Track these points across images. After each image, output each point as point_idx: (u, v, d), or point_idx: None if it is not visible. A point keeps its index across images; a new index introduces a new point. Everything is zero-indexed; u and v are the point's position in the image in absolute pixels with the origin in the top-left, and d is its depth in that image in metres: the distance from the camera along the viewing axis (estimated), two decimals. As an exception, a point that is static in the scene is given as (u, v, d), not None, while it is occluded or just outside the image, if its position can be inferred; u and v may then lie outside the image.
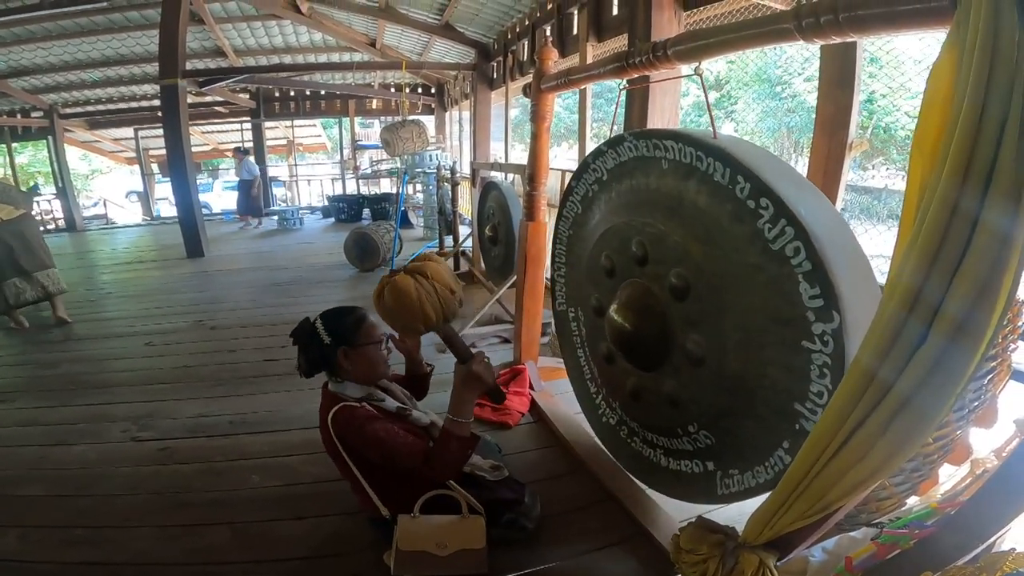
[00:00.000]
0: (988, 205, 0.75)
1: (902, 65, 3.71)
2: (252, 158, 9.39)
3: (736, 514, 1.27)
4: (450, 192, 5.12)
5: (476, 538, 1.38)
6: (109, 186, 17.65)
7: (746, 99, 14.12)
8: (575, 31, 4.11)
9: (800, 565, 1.15)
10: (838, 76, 2.11)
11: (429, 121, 9.76)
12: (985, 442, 1.30)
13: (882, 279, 1.19)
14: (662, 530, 1.56)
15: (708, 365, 1.32)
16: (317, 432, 2.18)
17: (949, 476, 1.33)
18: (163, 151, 12.35)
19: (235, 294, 4.70)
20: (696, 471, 1.45)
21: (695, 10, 2.93)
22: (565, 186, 2.00)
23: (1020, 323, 1.27)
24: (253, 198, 8.72)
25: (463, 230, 5.30)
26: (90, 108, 10.11)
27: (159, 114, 9.23)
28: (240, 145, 10.00)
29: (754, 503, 1.07)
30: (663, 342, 1.44)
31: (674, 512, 1.63)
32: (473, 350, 1.50)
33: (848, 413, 0.88)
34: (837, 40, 1.09)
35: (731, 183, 1.24)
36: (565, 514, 1.72)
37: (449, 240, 5.43)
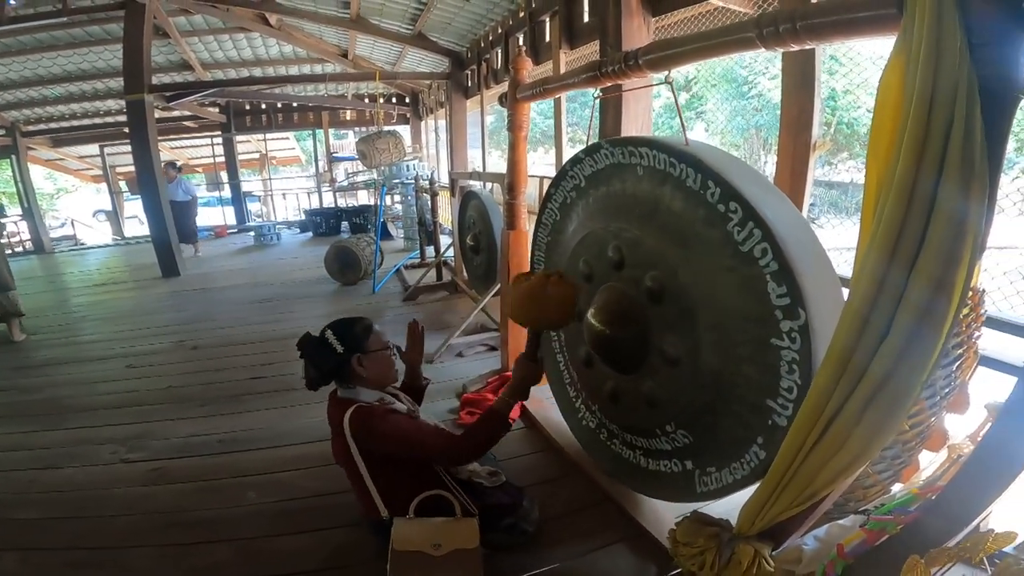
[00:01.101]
0: (940, 202, 0.81)
1: (862, 63, 3.87)
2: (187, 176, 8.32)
3: (730, 507, 1.32)
4: (429, 202, 5.14)
5: (470, 538, 1.41)
6: (75, 205, 17.14)
7: (715, 99, 14.41)
8: (547, 38, 4.18)
9: (795, 554, 1.21)
10: (799, 79, 2.20)
11: (404, 130, 9.74)
12: (960, 428, 1.37)
13: (847, 270, 1.26)
14: (659, 527, 1.60)
15: (684, 365, 1.37)
16: (312, 447, 2.24)
17: (929, 462, 1.39)
18: (131, 168, 12.08)
19: (216, 313, 4.64)
20: (675, 470, 1.50)
21: (663, 16, 3.02)
22: (544, 193, 2.05)
23: (982, 311, 1.36)
24: (190, 221, 7.58)
25: (443, 240, 5.31)
26: (53, 125, 9.82)
27: (125, 130, 9.12)
28: (174, 160, 8.84)
29: (747, 497, 1.12)
30: (640, 344, 1.49)
31: (669, 510, 1.68)
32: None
33: (824, 404, 0.94)
34: (796, 47, 1.16)
35: (702, 188, 1.30)
36: (563, 516, 1.75)
37: (430, 251, 5.44)
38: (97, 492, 2.02)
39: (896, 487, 1.35)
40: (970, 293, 1.33)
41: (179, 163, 8.51)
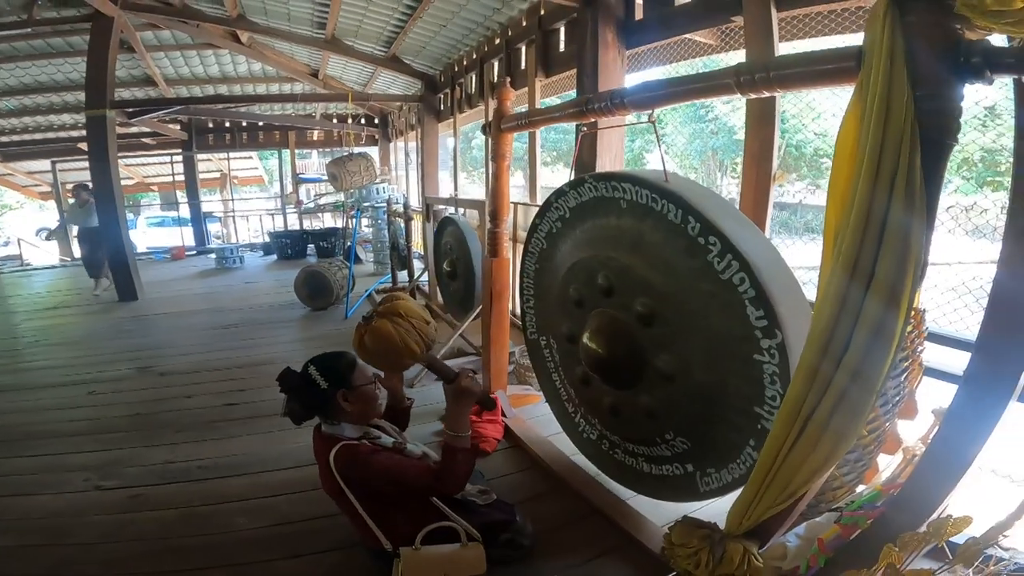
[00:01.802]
0: (887, 234, 0.95)
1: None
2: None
3: (716, 512, 1.41)
4: (403, 227, 5.16)
5: (477, 564, 1.45)
6: (19, 223, 16.26)
7: (674, 123, 15.06)
8: (523, 66, 4.34)
9: (780, 551, 1.32)
10: (760, 115, 2.41)
11: (373, 152, 9.75)
12: (912, 432, 1.53)
13: (805, 288, 1.41)
14: (649, 536, 1.69)
15: (678, 380, 1.49)
16: (297, 472, 2.23)
17: (886, 465, 1.54)
18: (84, 185, 11.64)
19: (181, 339, 4.50)
20: (678, 473, 1.60)
21: (636, 49, 3.21)
22: (524, 221, 2.15)
23: (924, 328, 1.53)
24: (102, 252, 6.32)
25: (417, 265, 5.32)
26: (3, 139, 9.38)
27: (79, 146, 8.78)
28: (86, 183, 7.10)
29: (730, 503, 1.22)
30: (636, 363, 1.59)
31: (656, 519, 1.77)
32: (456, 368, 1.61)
33: (797, 412, 1.07)
34: (767, 94, 1.30)
35: (683, 222, 1.42)
36: (555, 530, 1.81)
37: (402, 275, 5.43)
38: (73, 520, 1.96)
39: (860, 488, 1.49)
40: (913, 312, 1.51)
41: (87, 184, 6.86)
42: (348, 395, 1.55)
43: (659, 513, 1.80)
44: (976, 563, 1.16)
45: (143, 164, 13.06)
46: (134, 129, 8.87)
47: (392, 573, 1.47)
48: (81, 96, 6.56)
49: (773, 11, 2.24)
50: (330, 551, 1.73)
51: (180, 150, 10.53)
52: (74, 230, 6.33)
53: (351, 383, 1.56)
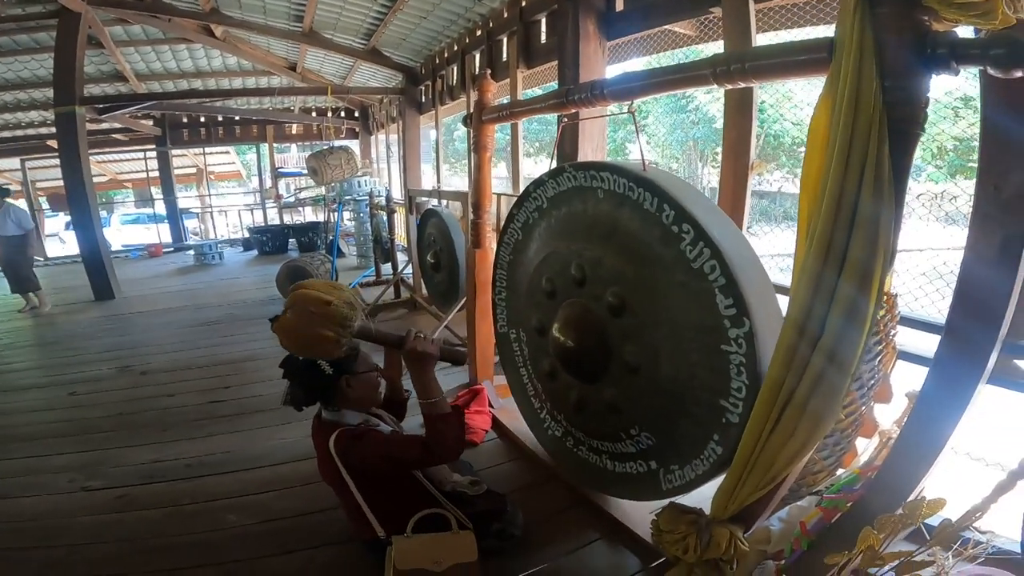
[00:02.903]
0: (858, 220, 0.99)
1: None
2: (21, 203, 6.01)
3: (701, 498, 1.44)
4: (386, 220, 5.13)
5: (468, 552, 1.46)
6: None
7: (655, 113, 15.10)
8: (505, 57, 4.33)
9: (764, 534, 1.36)
10: (738, 105, 2.44)
11: (354, 145, 9.63)
12: (888, 415, 1.57)
13: (781, 275, 1.43)
14: (636, 522, 1.72)
15: (644, 372, 1.49)
16: (285, 468, 2.22)
17: (864, 448, 1.58)
18: (51, 183, 11.30)
19: (161, 337, 4.43)
20: (641, 471, 1.62)
21: (617, 40, 3.22)
22: (506, 213, 2.14)
23: (897, 312, 1.58)
24: (26, 264, 5.62)
25: (400, 257, 5.30)
26: (-31, 137, 9.08)
27: (49, 143, 8.52)
28: (2, 184, 6.74)
29: (714, 489, 1.24)
30: (602, 355, 1.60)
31: (642, 506, 1.77)
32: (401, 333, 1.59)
33: (776, 396, 1.10)
34: (743, 85, 1.33)
35: (658, 211, 1.43)
36: (544, 519, 1.84)
37: (386, 268, 5.41)
38: (61, 521, 1.94)
39: (840, 471, 1.53)
40: (886, 297, 1.55)
41: (9, 186, 6.58)
42: (351, 380, 1.58)
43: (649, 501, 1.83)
44: (955, 546, 1.20)
45: (116, 161, 12.74)
46: (105, 125, 8.66)
47: (385, 562, 1.48)
48: (50, 93, 6.39)
49: (750, 2, 2.27)
50: (322, 547, 1.74)
51: (154, 146, 10.29)
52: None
53: (355, 369, 1.59)
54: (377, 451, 1.52)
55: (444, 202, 4.30)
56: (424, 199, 4.75)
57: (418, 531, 1.49)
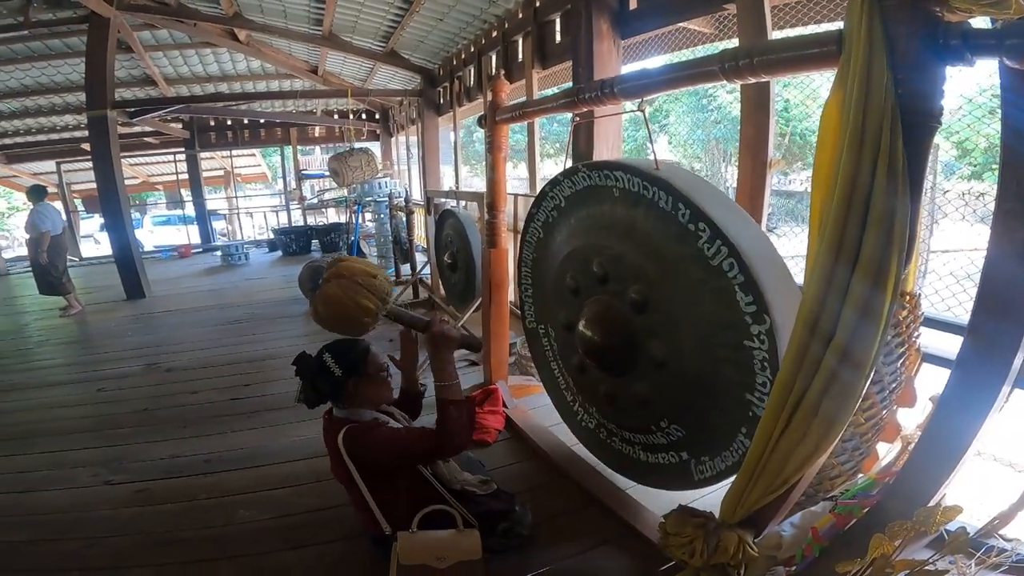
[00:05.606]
0: (871, 216, 0.95)
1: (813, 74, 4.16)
2: (57, 205, 5.78)
3: (711, 502, 1.42)
4: (405, 221, 5.18)
5: (473, 550, 1.46)
6: (26, 225, 16.36)
7: (677, 112, 14.93)
8: (520, 58, 4.33)
9: (775, 540, 1.32)
10: (756, 102, 2.39)
11: (375, 147, 9.76)
12: (912, 420, 1.51)
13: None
14: (647, 525, 1.70)
15: (670, 367, 1.49)
16: (300, 464, 2.26)
17: (886, 453, 1.53)
18: (86, 185, 11.70)
19: (187, 335, 4.55)
20: (673, 461, 1.61)
21: (632, 39, 3.20)
22: (525, 212, 2.15)
23: (920, 312, 1.52)
24: (45, 268, 5.38)
25: (419, 258, 5.35)
26: (7, 141, 9.46)
27: (83, 146, 8.84)
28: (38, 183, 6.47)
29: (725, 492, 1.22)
30: (629, 350, 1.60)
31: (656, 509, 1.77)
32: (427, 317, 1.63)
33: (787, 397, 1.06)
34: (752, 80, 1.30)
35: (674, 209, 1.42)
36: (553, 519, 1.83)
37: (405, 269, 5.45)
38: (83, 514, 2.00)
39: (859, 477, 1.48)
40: (908, 297, 1.50)
41: (46, 187, 5.90)
42: (360, 382, 1.60)
43: (658, 503, 1.80)
44: (977, 554, 1.15)
45: (147, 163, 13.14)
46: (136, 129, 8.92)
47: (391, 557, 1.50)
48: (82, 97, 6.61)
49: (765, -1, 2.22)
50: (334, 542, 1.76)
51: (183, 148, 10.58)
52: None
53: (363, 371, 1.60)
54: (385, 444, 1.54)
55: (462, 203, 4.32)
56: (442, 200, 4.78)
57: (424, 528, 1.50)
